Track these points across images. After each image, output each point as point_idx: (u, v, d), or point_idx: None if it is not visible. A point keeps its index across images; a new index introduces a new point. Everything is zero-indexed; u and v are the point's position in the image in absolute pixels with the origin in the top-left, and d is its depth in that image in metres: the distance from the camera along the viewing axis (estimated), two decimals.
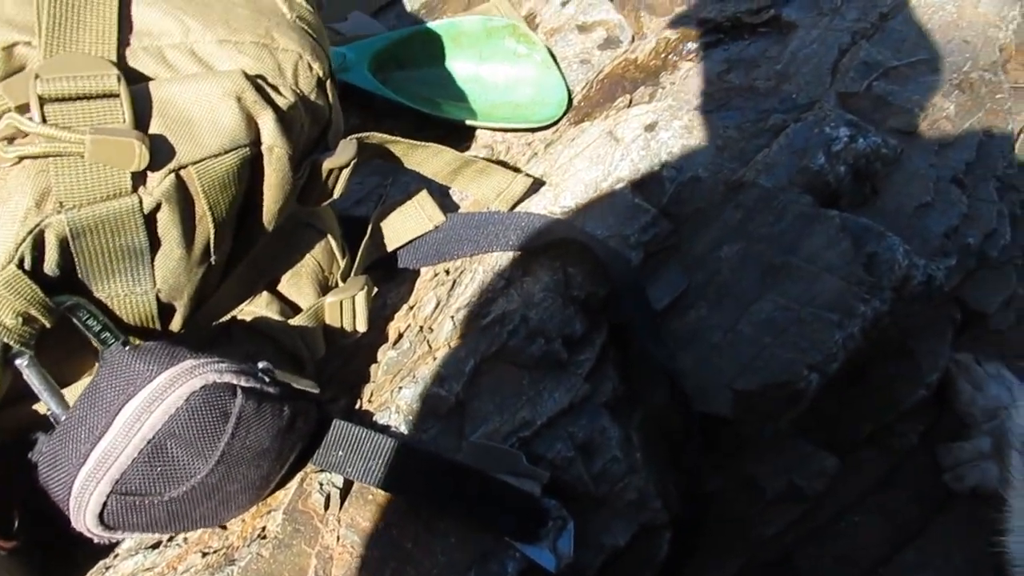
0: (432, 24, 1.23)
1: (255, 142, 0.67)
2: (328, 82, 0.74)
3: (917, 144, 1.14)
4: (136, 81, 0.63)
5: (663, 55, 1.30)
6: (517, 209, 1.01)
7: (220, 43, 0.66)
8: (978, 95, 1.22)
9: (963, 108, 1.19)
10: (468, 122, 1.16)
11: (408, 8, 1.37)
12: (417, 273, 1.01)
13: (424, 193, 0.98)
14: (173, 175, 0.62)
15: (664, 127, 1.09)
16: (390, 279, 1.02)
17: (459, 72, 1.23)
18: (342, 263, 0.88)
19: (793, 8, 1.34)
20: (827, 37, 1.28)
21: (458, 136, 1.18)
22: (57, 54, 0.60)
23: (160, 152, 0.61)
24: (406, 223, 0.98)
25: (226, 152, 0.64)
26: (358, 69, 1.20)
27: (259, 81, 0.66)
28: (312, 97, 0.72)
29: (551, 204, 1.00)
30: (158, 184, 0.61)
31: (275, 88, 0.68)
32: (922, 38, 1.29)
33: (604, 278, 0.92)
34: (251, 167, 0.67)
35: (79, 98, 0.58)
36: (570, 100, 1.22)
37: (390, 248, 0.98)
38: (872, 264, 0.91)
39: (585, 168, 1.04)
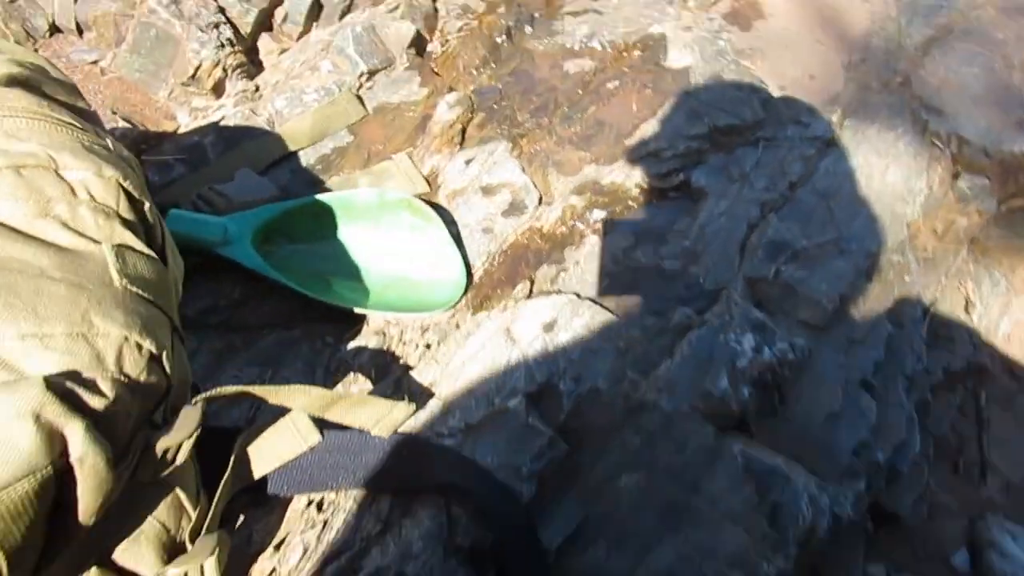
0: (324, 196, 1.15)
1: (61, 455, 0.57)
2: (166, 352, 0.65)
3: (826, 341, 1.09)
4: None
5: (570, 223, 1.24)
6: (402, 429, 0.92)
7: (23, 339, 0.56)
8: (886, 280, 1.19)
9: (872, 297, 1.16)
10: (357, 310, 1.07)
11: (303, 163, 1.28)
12: (289, 499, 0.92)
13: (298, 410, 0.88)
14: None
15: (564, 326, 1.02)
16: (258, 504, 0.92)
17: (352, 246, 1.15)
18: (193, 515, 0.78)
19: (703, 173, 1.31)
20: (736, 209, 1.25)
21: (349, 317, 1.10)
22: None
23: None
24: (277, 444, 0.88)
25: (19, 480, 0.54)
26: (241, 243, 1.11)
27: (68, 385, 0.57)
28: (143, 378, 0.62)
29: (440, 424, 0.92)
30: None
31: (91, 385, 0.59)
32: (830, 213, 1.26)
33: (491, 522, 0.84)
34: (58, 479, 0.57)
35: None
36: (469, 278, 1.15)
37: (258, 475, 0.88)
38: (776, 516, 0.85)
39: (478, 377, 0.96)
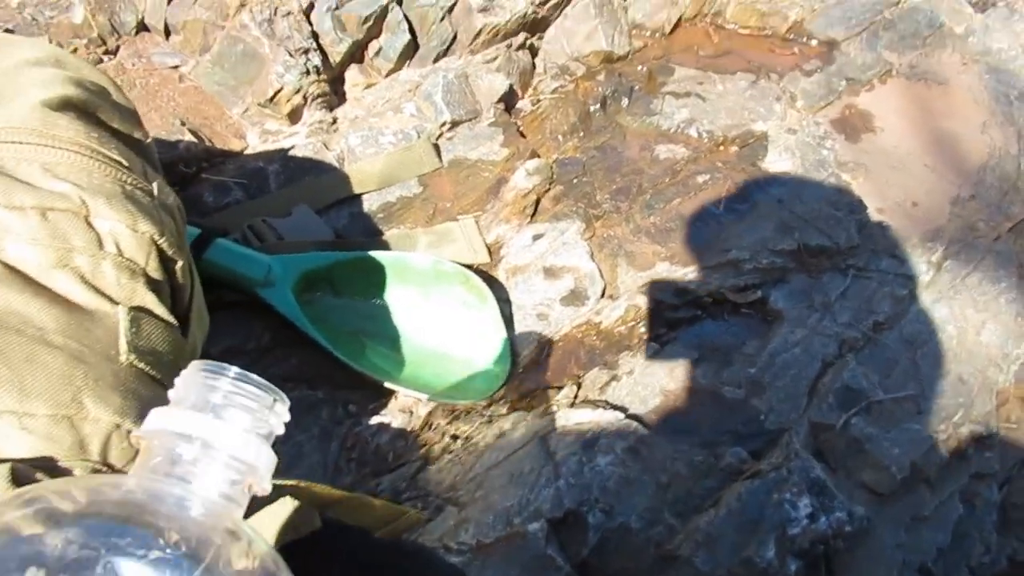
0: (377, 253, 1.08)
1: None
2: None
3: (888, 514, 0.99)
4: None
5: (631, 324, 1.15)
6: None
7: None
8: (965, 456, 1.08)
9: (947, 471, 1.05)
10: (388, 383, 1.00)
11: (365, 208, 1.22)
12: None
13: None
14: None
15: (605, 448, 0.93)
16: None
17: (397, 311, 1.08)
18: None
19: (782, 294, 1.21)
20: (812, 342, 1.15)
21: (377, 386, 1.02)
22: None
23: None
24: (270, 527, 0.81)
25: None
26: (282, 287, 1.05)
27: (37, 477, 0.50)
28: (128, 468, 0.55)
29: (448, 535, 0.84)
30: None
31: (65, 474, 0.52)
32: (914, 366, 1.15)
33: None
34: None
35: None
36: (513, 366, 1.07)
37: None
38: None
39: (502, 488, 0.88)
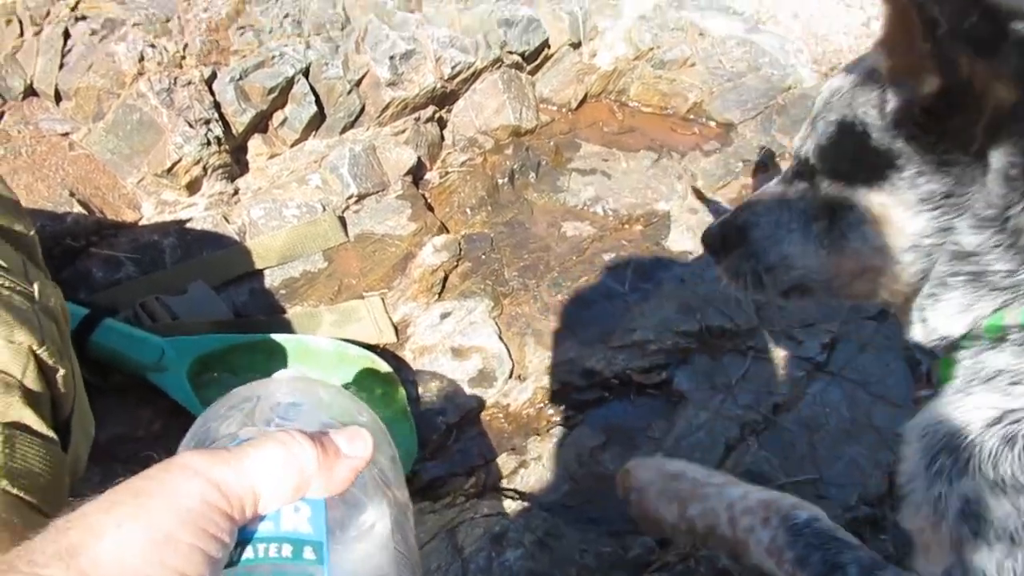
0: (279, 337, 1.04)
1: None
2: None
3: None
4: None
5: (539, 406, 1.15)
6: None
7: None
8: (863, 539, 1.10)
9: None
10: None
11: (267, 284, 1.18)
12: None
13: None
14: None
15: (513, 543, 0.92)
16: None
17: None
18: None
19: (686, 375, 1.23)
20: (715, 425, 1.16)
21: None
22: None
23: None
24: None
25: None
26: (175, 372, 1.00)
27: None
28: None
29: None
30: None
31: None
32: (812, 448, 1.18)
33: None
34: None
35: None
36: (419, 452, 1.04)
37: None
38: None
39: None
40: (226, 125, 1.26)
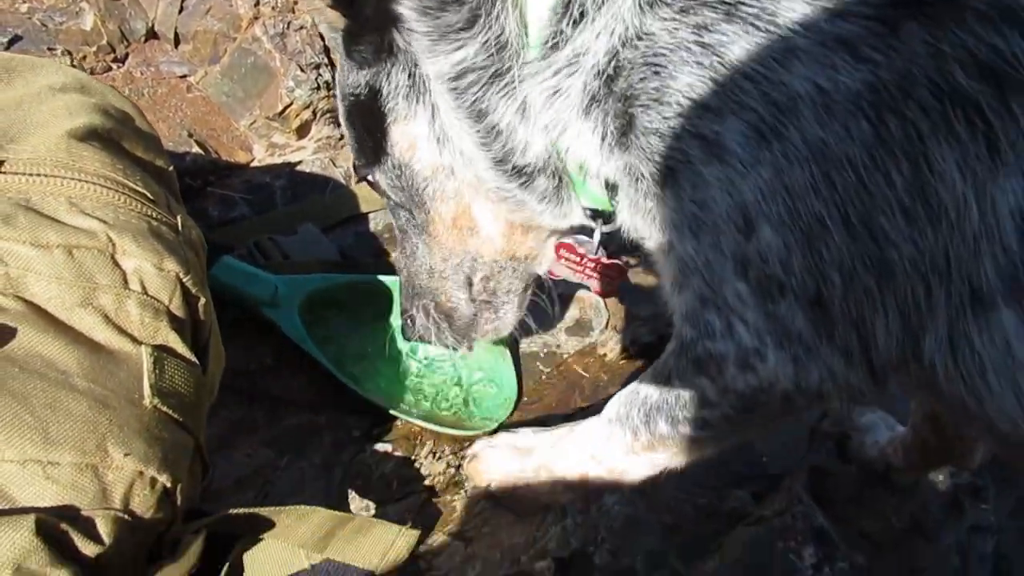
0: (387, 278, 1.07)
1: None
2: (181, 484, 0.57)
3: (886, 563, 0.99)
4: None
5: (634, 357, 1.15)
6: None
7: (24, 464, 0.49)
8: (962, 508, 1.08)
9: (944, 523, 1.06)
10: (393, 411, 0.99)
11: (372, 228, 1.21)
12: None
13: None
14: None
15: (611, 487, 0.93)
16: None
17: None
18: None
19: None
20: None
21: (382, 412, 1.01)
22: None
23: None
24: (274, 559, 0.79)
25: None
26: (288, 308, 1.03)
27: (62, 527, 0.49)
28: (149, 515, 0.55)
29: (455, 571, 0.83)
30: None
31: (88, 526, 0.51)
32: None
33: None
34: None
35: None
36: (519, 396, 1.06)
37: None
38: None
39: (508, 525, 0.88)
40: (335, 70, 1.28)
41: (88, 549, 0.50)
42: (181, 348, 0.62)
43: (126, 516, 0.53)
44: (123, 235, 0.59)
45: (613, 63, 0.63)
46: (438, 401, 1.04)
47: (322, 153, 1.26)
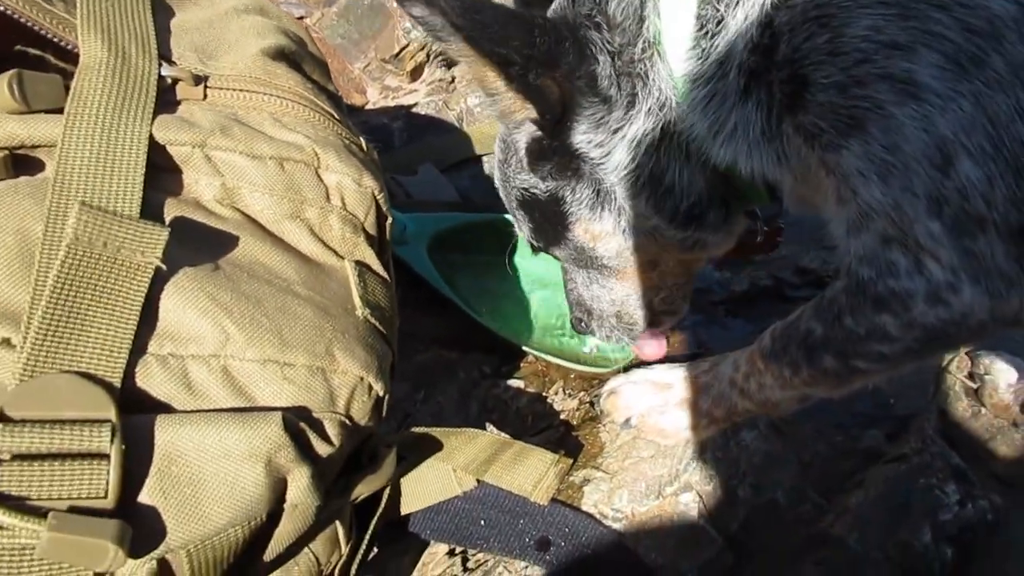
0: (510, 217, 1.07)
1: (278, 501, 0.50)
2: (388, 396, 0.58)
3: (1022, 504, 0.98)
4: (140, 407, 0.46)
5: (754, 299, 1.15)
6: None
7: (264, 364, 0.50)
8: None
9: None
10: (525, 347, 1.00)
11: (486, 170, 1.21)
12: (426, 544, 0.85)
13: None
14: (154, 562, 0.45)
15: (748, 424, 0.93)
16: (393, 541, 0.85)
17: (531, 272, 1.08)
18: (345, 550, 0.71)
19: None
20: None
21: (512, 349, 1.02)
22: (40, 373, 0.43)
23: (147, 536, 0.44)
24: (431, 485, 0.81)
25: (234, 526, 0.47)
26: (416, 246, 1.04)
27: (301, 426, 0.50)
28: (363, 422, 0.56)
29: (603, 502, 0.84)
30: (131, 573, 0.45)
31: (319, 427, 0.52)
32: None
33: None
34: (265, 522, 0.51)
35: (54, 457, 0.42)
36: None
37: (405, 511, 0.81)
38: None
39: (650, 459, 0.88)
40: None
41: (322, 449, 0.52)
42: (376, 265, 0.63)
43: (347, 421, 0.54)
44: (327, 150, 0.60)
45: (767, 33, 0.62)
46: (567, 338, 1.05)
47: (435, 96, 1.26)
